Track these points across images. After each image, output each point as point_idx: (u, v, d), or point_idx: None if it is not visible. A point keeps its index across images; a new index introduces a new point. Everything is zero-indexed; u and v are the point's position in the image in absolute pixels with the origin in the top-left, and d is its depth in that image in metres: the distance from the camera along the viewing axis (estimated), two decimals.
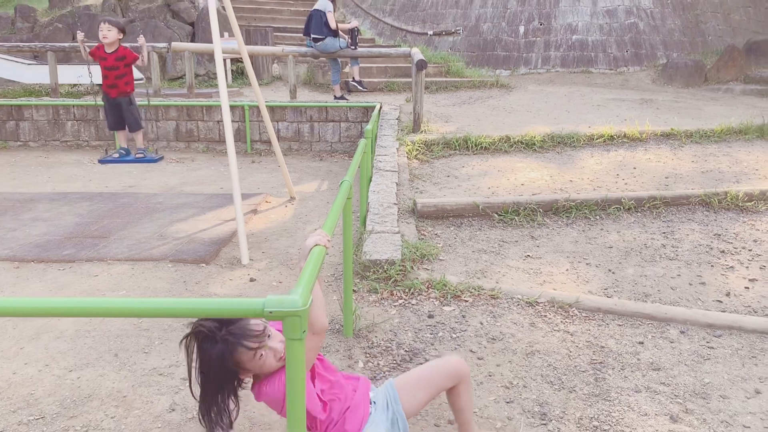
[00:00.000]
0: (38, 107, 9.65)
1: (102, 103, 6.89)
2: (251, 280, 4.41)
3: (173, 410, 2.80)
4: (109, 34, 6.14)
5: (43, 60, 12.14)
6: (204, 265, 4.70)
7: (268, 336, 2.02)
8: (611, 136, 7.55)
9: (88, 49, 6.27)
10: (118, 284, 4.30)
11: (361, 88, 11.10)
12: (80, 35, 6.20)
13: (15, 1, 16.87)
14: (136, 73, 11.69)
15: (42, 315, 1.82)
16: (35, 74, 12.37)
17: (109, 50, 6.26)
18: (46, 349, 3.37)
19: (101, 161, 6.77)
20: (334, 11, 10.31)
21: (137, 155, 6.74)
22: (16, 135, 9.66)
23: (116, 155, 6.77)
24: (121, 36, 6.30)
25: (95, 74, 6.37)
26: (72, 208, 6.18)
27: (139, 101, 6.89)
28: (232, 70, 13.34)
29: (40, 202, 6.43)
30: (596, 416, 2.76)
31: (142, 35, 6.71)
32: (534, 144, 7.40)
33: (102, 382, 3.04)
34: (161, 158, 6.87)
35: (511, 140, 7.46)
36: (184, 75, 11.67)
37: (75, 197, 6.62)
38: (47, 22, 14.38)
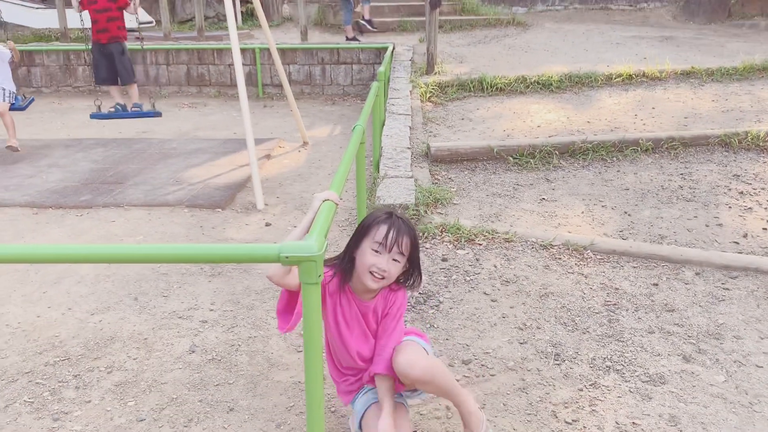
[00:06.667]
0: (49, 52, 9.58)
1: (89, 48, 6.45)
2: (267, 224, 4.44)
3: (193, 352, 2.87)
4: None
5: (51, 3, 11.98)
6: (220, 210, 4.73)
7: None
8: (630, 75, 7.37)
9: None
10: (136, 229, 4.35)
11: (370, 27, 10.86)
12: None
13: None
14: (145, 16, 11.50)
15: (63, 261, 1.86)
16: (44, 18, 12.23)
17: None
18: (68, 294, 3.45)
19: (93, 116, 6.37)
20: None
21: (133, 109, 6.40)
22: (28, 81, 9.64)
23: (112, 109, 6.40)
24: None
25: (87, 20, 6.09)
26: (87, 154, 6.21)
27: (130, 46, 6.53)
28: (241, 12, 13.09)
29: (55, 148, 6.46)
30: (609, 356, 2.79)
31: None
32: (551, 84, 7.25)
33: (123, 325, 3.12)
34: (159, 113, 6.38)
35: (528, 81, 7.32)
36: (194, 17, 11.48)
37: (90, 143, 6.64)
38: None
